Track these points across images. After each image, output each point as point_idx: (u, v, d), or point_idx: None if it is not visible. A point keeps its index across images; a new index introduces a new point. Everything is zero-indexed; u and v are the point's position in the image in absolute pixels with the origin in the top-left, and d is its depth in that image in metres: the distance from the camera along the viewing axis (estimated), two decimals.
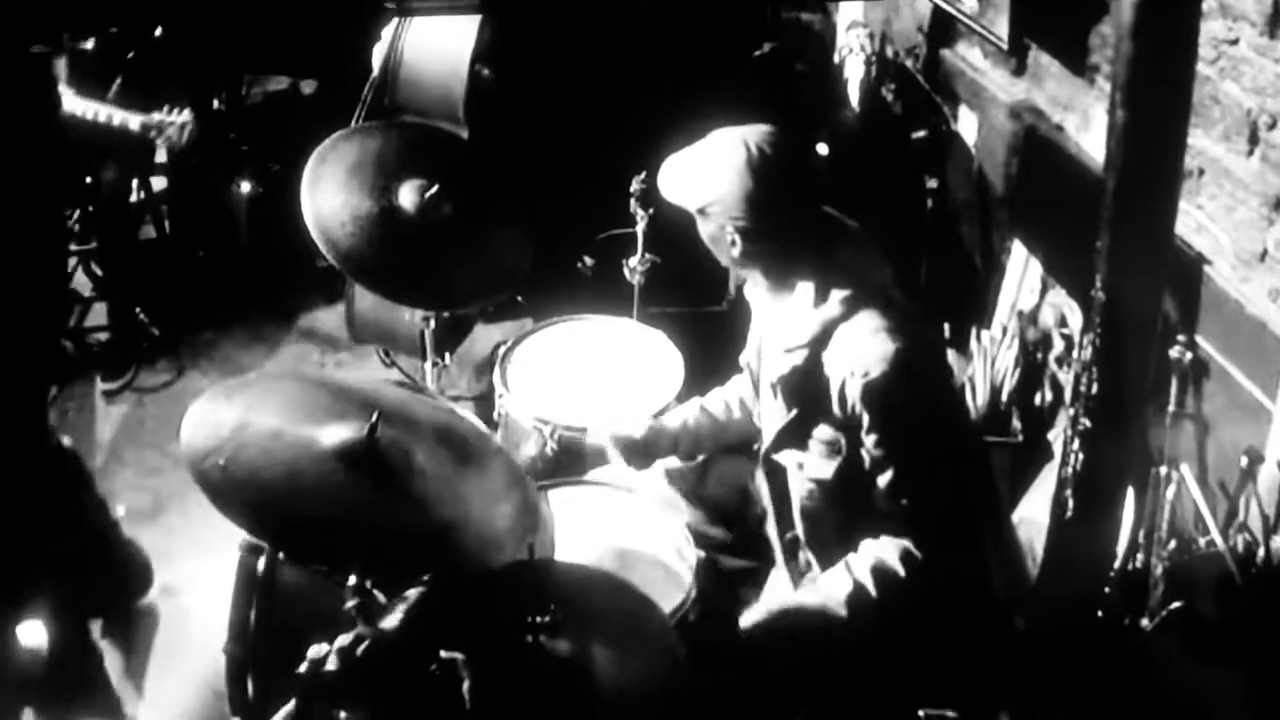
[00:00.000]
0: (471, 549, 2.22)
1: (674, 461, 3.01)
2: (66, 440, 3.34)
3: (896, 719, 2.59)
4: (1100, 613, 2.74)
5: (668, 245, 3.30)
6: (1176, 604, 2.76)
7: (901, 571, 2.49)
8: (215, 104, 5.11)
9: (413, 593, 2.11)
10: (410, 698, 1.91)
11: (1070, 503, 2.58)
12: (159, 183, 4.91)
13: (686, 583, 2.60)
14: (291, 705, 1.83)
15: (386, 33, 4.10)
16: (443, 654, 1.94)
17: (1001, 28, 3.86)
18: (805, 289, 2.55)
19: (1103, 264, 2.40)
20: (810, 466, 2.60)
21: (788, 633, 2.57)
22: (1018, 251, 3.81)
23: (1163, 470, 2.88)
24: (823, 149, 4.46)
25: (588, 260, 4.10)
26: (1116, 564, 2.85)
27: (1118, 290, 2.39)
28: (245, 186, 4.92)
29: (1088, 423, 2.49)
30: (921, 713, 2.52)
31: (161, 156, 4.72)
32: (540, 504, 2.65)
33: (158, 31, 4.37)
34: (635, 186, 3.29)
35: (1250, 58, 2.81)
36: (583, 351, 3.30)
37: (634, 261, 3.41)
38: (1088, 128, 3.47)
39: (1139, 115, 2.33)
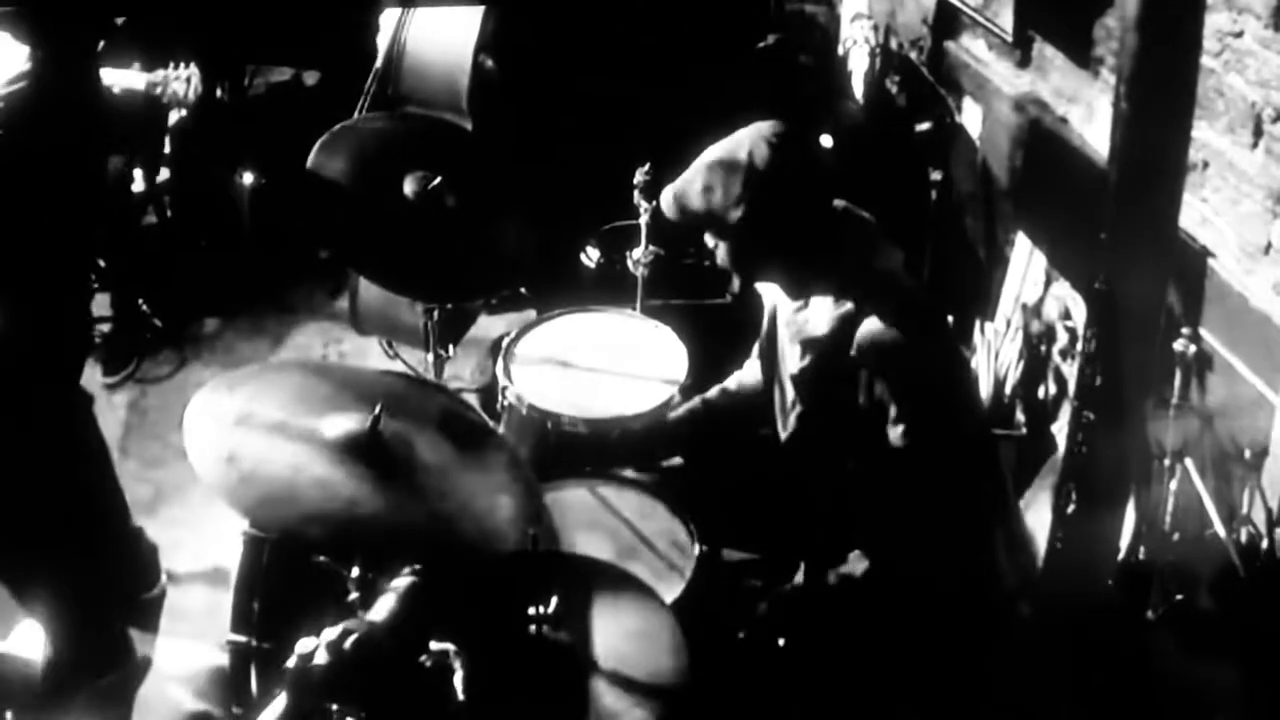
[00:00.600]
0: (473, 540, 2.22)
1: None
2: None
3: (898, 712, 2.60)
4: (1103, 605, 2.74)
5: (671, 237, 3.30)
6: (1179, 597, 2.76)
7: None
8: (218, 94, 5.10)
9: (401, 583, 2.09)
10: (402, 690, 1.91)
11: (1073, 495, 2.59)
12: (162, 174, 4.91)
13: (688, 574, 2.61)
14: (281, 700, 1.82)
15: (387, 23, 4.09)
16: (433, 645, 1.93)
17: (1006, 20, 3.85)
18: (822, 284, 2.55)
19: (1106, 256, 2.41)
20: (834, 457, 2.59)
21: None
22: (1022, 244, 3.81)
23: (1166, 463, 2.89)
24: (827, 141, 4.45)
25: (591, 252, 4.10)
26: (1119, 557, 2.86)
27: (1121, 283, 2.40)
28: (248, 178, 4.91)
29: (1090, 415, 2.50)
30: None
31: (167, 148, 4.72)
32: (542, 495, 2.66)
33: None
34: (639, 178, 3.28)
35: (1255, 50, 2.80)
36: (586, 343, 3.30)
37: (638, 253, 3.41)
38: (1092, 120, 3.46)
39: (1143, 108, 2.34)
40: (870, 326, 2.46)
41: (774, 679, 2.60)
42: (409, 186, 3.05)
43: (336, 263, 4.68)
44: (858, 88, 4.78)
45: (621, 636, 2.26)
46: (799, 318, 2.61)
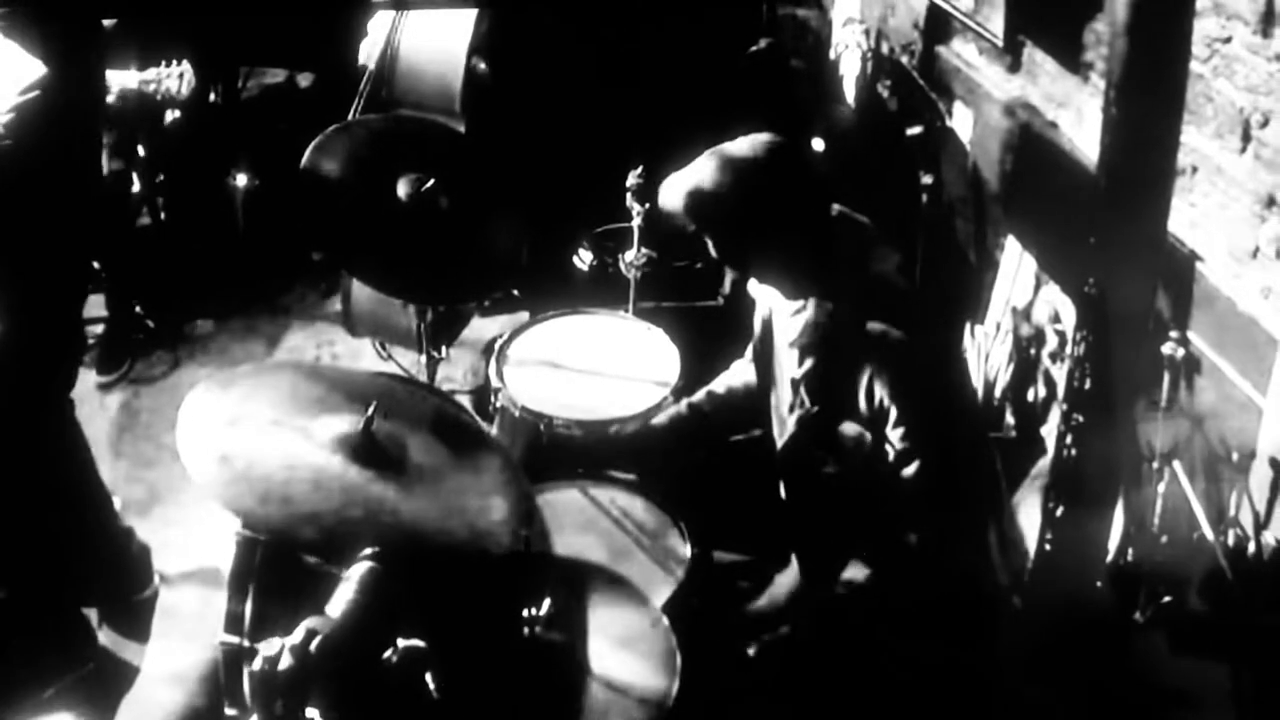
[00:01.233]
0: (466, 541, 2.23)
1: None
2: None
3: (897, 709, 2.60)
4: (1091, 607, 2.75)
5: (664, 240, 3.31)
6: (1167, 598, 2.77)
7: None
8: (212, 96, 5.10)
9: (356, 571, 2.03)
10: (370, 688, 1.87)
11: (1062, 498, 2.60)
12: (156, 175, 4.91)
13: (680, 576, 2.62)
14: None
15: (375, 27, 4.10)
16: (401, 643, 1.90)
17: (996, 25, 3.87)
18: (819, 288, 2.56)
19: (1095, 260, 2.42)
20: (832, 462, 2.60)
21: None
22: (1012, 247, 3.82)
23: (1154, 465, 2.90)
24: (818, 145, 4.47)
25: (584, 255, 4.11)
26: (1108, 558, 2.87)
27: (1110, 286, 2.41)
28: (242, 179, 4.92)
29: (1080, 418, 2.51)
30: None
31: (159, 147, 4.72)
32: (534, 497, 2.66)
33: None
34: (631, 181, 3.29)
35: (1243, 56, 2.82)
36: (579, 345, 3.31)
37: (630, 256, 3.42)
38: (1082, 124, 3.48)
39: (1133, 112, 2.35)
40: (870, 329, 2.48)
41: (768, 681, 2.61)
42: (402, 189, 3.06)
43: (330, 264, 4.69)
44: (849, 92, 4.80)
45: (613, 638, 2.27)
46: (796, 321, 2.62)
